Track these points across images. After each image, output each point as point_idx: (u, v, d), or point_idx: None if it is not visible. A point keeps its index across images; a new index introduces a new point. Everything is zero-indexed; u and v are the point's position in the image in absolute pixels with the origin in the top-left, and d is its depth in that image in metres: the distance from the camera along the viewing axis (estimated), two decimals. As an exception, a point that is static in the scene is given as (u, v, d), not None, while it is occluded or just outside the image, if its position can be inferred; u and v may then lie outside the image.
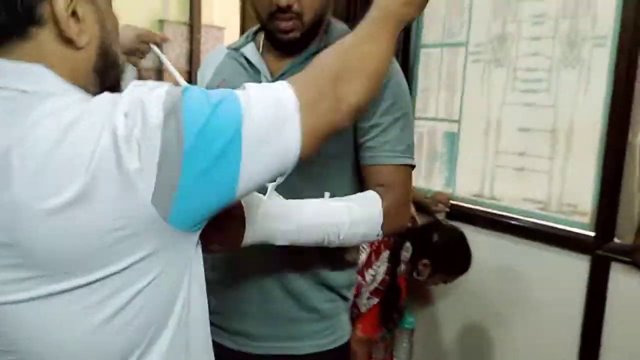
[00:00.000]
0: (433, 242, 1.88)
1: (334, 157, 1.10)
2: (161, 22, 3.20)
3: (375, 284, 1.78)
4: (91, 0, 0.72)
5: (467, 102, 2.06)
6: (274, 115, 0.71)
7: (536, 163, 1.85)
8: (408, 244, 1.86)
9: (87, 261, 0.64)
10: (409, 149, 1.11)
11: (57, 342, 0.67)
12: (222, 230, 0.92)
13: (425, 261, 1.86)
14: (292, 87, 0.74)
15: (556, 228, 1.81)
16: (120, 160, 0.62)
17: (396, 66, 1.13)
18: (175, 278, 0.73)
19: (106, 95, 0.67)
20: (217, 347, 1.06)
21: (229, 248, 0.96)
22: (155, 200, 0.64)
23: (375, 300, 1.78)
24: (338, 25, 1.14)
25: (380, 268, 1.81)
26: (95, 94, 0.70)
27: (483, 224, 2.00)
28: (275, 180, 0.80)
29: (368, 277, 1.79)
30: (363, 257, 1.79)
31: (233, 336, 1.14)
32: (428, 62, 2.19)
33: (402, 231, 1.23)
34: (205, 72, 1.22)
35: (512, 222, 1.92)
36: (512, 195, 1.93)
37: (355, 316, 1.75)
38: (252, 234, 0.96)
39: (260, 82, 1.07)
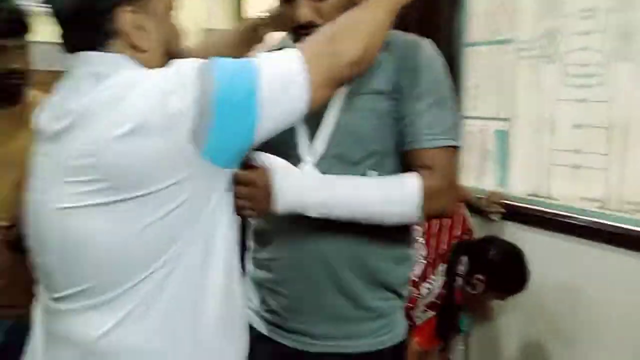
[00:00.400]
0: (489, 258, 1.85)
1: (382, 156, 1.13)
2: (206, 30, 3.27)
3: (431, 298, 1.78)
4: (151, 13, 0.96)
5: (517, 99, 2.01)
6: (282, 74, 0.92)
7: (593, 160, 1.80)
8: (465, 258, 1.85)
9: (140, 178, 0.87)
10: (449, 131, 1.12)
11: (105, 238, 0.90)
12: (254, 198, 1.03)
13: (480, 276, 1.84)
14: (299, 50, 0.95)
15: (617, 227, 1.75)
16: (164, 107, 0.86)
17: (430, 51, 1.15)
18: (201, 208, 0.93)
19: (161, 68, 0.92)
20: (277, 346, 1.19)
21: (260, 213, 1.07)
22: (192, 136, 0.86)
23: (431, 314, 1.78)
24: None
25: (436, 281, 1.81)
26: None
27: (539, 223, 1.96)
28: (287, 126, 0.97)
29: (424, 290, 1.80)
30: (418, 270, 1.79)
31: (291, 334, 1.17)
32: (474, 61, 2.15)
33: (447, 215, 1.25)
34: None
35: (570, 221, 1.87)
36: (568, 193, 1.88)
37: (410, 328, 1.77)
38: (283, 202, 1.05)
39: None
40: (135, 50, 0.95)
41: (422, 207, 1.08)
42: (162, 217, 0.89)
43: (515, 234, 2.02)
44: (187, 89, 0.88)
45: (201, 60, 0.91)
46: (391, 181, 1.11)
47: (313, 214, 1.06)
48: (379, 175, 1.12)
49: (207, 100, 0.87)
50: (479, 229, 2.06)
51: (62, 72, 0.99)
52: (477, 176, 2.18)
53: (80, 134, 0.89)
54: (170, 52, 1.00)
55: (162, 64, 0.96)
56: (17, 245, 1.27)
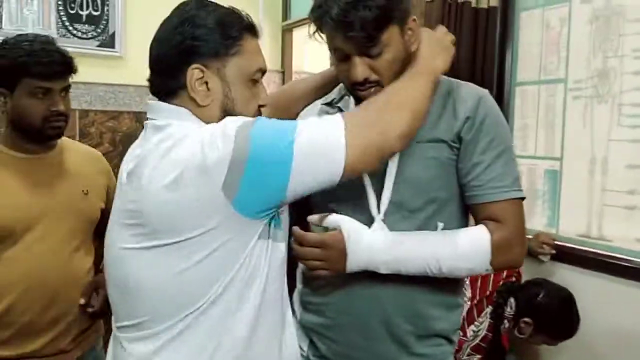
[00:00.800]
0: (538, 301, 1.80)
1: (442, 203, 1.14)
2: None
3: (476, 340, 1.74)
4: (220, 76, 1.07)
5: (569, 139, 2.00)
6: (320, 142, 0.97)
7: (648, 201, 1.76)
8: (512, 300, 1.81)
9: (174, 226, 0.97)
10: (516, 182, 1.13)
11: (149, 279, 1.00)
12: (328, 259, 1.09)
13: (527, 320, 1.79)
14: (344, 119, 0.99)
15: (674, 270, 1.69)
16: (204, 159, 0.94)
17: (491, 102, 1.16)
18: (234, 256, 0.99)
19: (213, 123, 1.01)
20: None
21: (332, 273, 1.11)
22: (224, 188, 0.94)
23: (477, 357, 1.73)
24: None
25: (482, 324, 1.76)
26: None
27: (591, 265, 1.91)
28: (322, 189, 1.01)
29: (470, 333, 1.76)
30: (464, 312, 1.75)
31: None
32: (524, 100, 2.15)
33: (517, 266, 1.24)
34: None
35: (624, 263, 1.82)
36: (622, 235, 1.83)
37: (456, 371, 1.72)
38: (355, 263, 1.09)
39: None
40: (194, 102, 1.06)
41: (492, 261, 1.09)
42: (196, 264, 0.98)
43: (565, 275, 1.97)
44: (225, 144, 0.96)
45: (247, 119, 1.00)
46: (460, 236, 1.11)
47: (384, 271, 1.10)
48: (444, 225, 1.12)
49: (241, 157, 0.94)
50: (527, 270, 2.01)
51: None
52: (526, 216, 2.14)
53: (135, 180, 1.01)
54: (228, 112, 1.08)
55: (219, 119, 1.05)
56: None
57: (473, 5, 2.11)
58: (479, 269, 1.12)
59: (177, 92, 1.07)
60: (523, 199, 1.13)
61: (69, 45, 2.86)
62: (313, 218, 1.13)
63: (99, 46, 2.96)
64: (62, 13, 2.91)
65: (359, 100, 1.13)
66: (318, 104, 1.27)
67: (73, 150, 1.72)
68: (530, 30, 2.11)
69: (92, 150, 1.85)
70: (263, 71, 1.11)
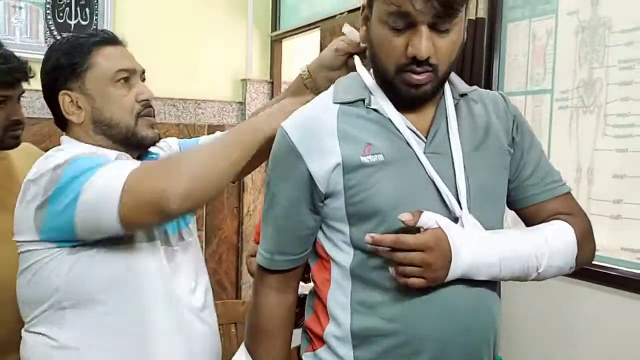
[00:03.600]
0: None
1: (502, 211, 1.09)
2: (244, 81, 3.37)
3: None
4: (83, 93, 1.24)
5: (555, 148, 2.01)
6: (103, 187, 1.07)
7: (634, 211, 1.78)
8: None
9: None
10: (560, 175, 1.11)
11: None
12: (429, 264, 0.92)
13: None
14: (133, 169, 1.08)
15: (660, 279, 1.71)
16: (25, 192, 1.17)
17: (512, 104, 1.13)
18: (46, 272, 1.16)
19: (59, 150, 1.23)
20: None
21: (431, 282, 0.95)
22: (36, 210, 1.13)
23: None
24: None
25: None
26: (109, 144, 1.27)
27: (577, 274, 1.91)
28: (110, 234, 1.12)
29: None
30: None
31: None
32: (511, 110, 2.17)
33: (591, 261, 1.15)
34: (318, 138, 1.02)
35: (610, 272, 1.83)
36: (608, 244, 1.84)
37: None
38: (459, 267, 0.95)
39: (402, 139, 1.02)
40: (76, 125, 1.26)
41: (578, 255, 1.04)
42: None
43: (551, 284, 1.97)
44: (44, 180, 1.12)
45: (70, 160, 1.13)
46: (547, 230, 1.03)
47: (483, 277, 0.98)
48: None
49: (48, 193, 1.10)
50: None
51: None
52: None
53: None
54: (100, 121, 1.25)
55: (97, 131, 1.26)
56: None
57: (461, 16, 2.13)
58: (566, 268, 1.04)
59: (65, 122, 1.26)
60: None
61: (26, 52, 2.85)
62: (405, 216, 0.93)
63: (87, 55, 2.94)
64: (50, 22, 2.90)
65: (399, 88, 0.98)
66: (329, 106, 1.05)
67: (15, 150, 1.66)
68: (517, 41, 2.13)
69: (27, 144, 1.77)
70: (127, 70, 1.24)
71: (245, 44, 3.40)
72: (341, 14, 2.79)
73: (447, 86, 1.06)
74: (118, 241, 1.16)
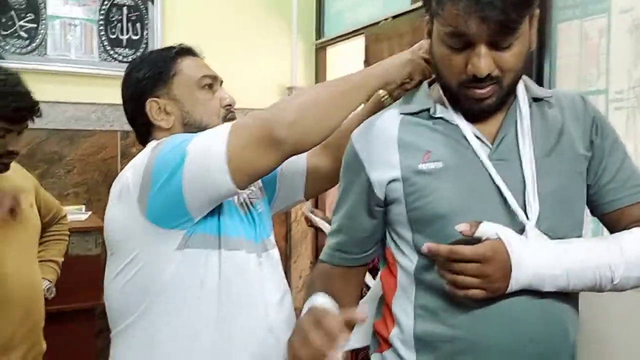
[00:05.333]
0: None
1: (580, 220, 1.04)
2: (289, 89, 3.40)
3: None
4: (171, 98, 1.29)
5: (610, 151, 1.95)
6: (207, 148, 1.08)
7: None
8: None
9: (110, 241, 1.22)
10: None
11: (107, 290, 1.23)
12: (487, 276, 0.91)
13: None
14: (232, 125, 1.11)
15: None
16: (129, 177, 1.16)
17: (592, 105, 1.09)
18: (156, 270, 1.15)
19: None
20: None
21: (491, 294, 0.93)
22: (138, 201, 1.12)
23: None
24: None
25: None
26: None
27: None
28: (216, 202, 1.14)
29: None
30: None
31: None
32: (563, 112, 2.11)
33: None
34: (379, 148, 1.06)
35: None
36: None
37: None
38: (521, 279, 0.93)
39: (466, 146, 1.01)
40: (163, 130, 1.28)
41: None
42: (131, 278, 1.16)
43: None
44: (142, 163, 1.14)
45: (166, 139, 1.17)
46: (625, 240, 0.99)
47: (548, 288, 0.95)
48: None
49: (149, 172, 1.11)
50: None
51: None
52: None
53: None
54: (189, 125, 1.28)
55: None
56: None
57: (509, 18, 2.09)
58: None
59: (149, 130, 1.30)
60: None
61: (109, 69, 2.96)
62: (462, 227, 0.92)
63: (138, 69, 3.04)
64: (103, 38, 3.01)
65: (462, 103, 1.00)
66: (394, 116, 1.08)
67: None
68: (569, 41, 2.08)
69: (15, 164, 1.86)
70: (210, 76, 1.32)
71: (290, 53, 3.44)
72: (385, 19, 2.78)
73: (520, 90, 1.05)
74: (214, 244, 1.17)
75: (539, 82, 2.13)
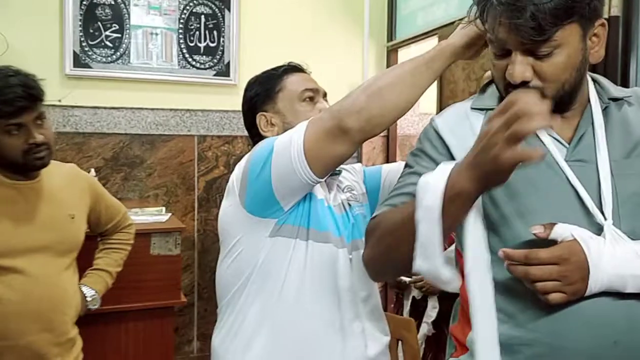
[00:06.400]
0: None
1: None
2: (362, 92, 3.39)
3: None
4: (276, 112, 1.46)
5: None
6: (286, 140, 1.23)
7: None
8: None
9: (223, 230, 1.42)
10: None
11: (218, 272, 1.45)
12: (566, 278, 0.89)
13: None
14: (306, 127, 1.22)
15: None
16: (235, 174, 1.36)
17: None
18: (251, 254, 1.32)
19: None
20: None
21: (571, 296, 0.91)
22: (240, 194, 1.30)
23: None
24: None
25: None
26: None
27: None
28: (302, 191, 1.27)
29: None
30: None
31: None
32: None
33: None
34: (463, 136, 1.05)
35: None
36: None
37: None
38: (599, 280, 0.91)
39: (542, 146, 0.99)
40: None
41: None
42: (233, 261, 1.35)
43: None
44: (244, 162, 1.32)
45: (262, 141, 1.33)
46: None
47: (631, 289, 0.92)
48: None
49: (247, 168, 1.29)
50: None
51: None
52: None
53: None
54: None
55: None
56: None
57: (592, 15, 2.00)
58: None
59: (261, 140, 1.38)
60: None
61: (188, 76, 3.07)
62: (537, 229, 0.91)
63: (215, 75, 3.15)
64: (182, 46, 3.13)
65: None
66: (465, 109, 1.09)
67: (55, 173, 1.75)
68: (657, 39, 1.96)
69: (71, 167, 1.86)
70: (311, 90, 1.45)
71: (362, 55, 3.44)
72: (460, 19, 2.72)
73: (592, 92, 1.03)
74: (303, 235, 1.31)
75: (625, 83, 2.02)
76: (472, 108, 1.08)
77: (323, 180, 1.27)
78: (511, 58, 0.94)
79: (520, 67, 0.92)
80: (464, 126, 1.06)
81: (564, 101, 0.99)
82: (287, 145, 1.22)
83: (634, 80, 2.02)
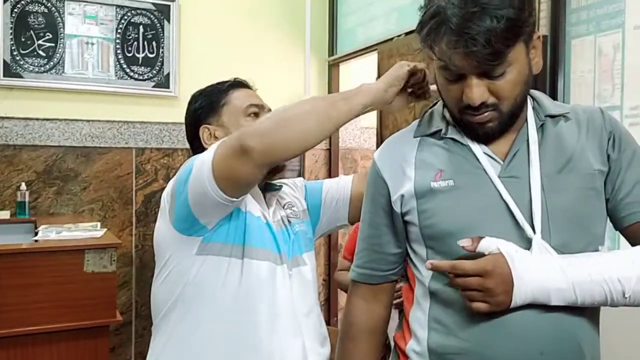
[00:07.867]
0: None
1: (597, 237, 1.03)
2: (303, 105, 3.41)
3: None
4: (219, 125, 1.45)
5: (626, 167, 1.93)
6: (200, 169, 1.22)
7: None
8: None
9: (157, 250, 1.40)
10: None
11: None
12: (489, 290, 0.93)
13: None
14: (216, 147, 1.22)
15: None
16: (164, 196, 1.37)
17: (612, 116, 1.09)
18: (181, 272, 1.31)
19: None
20: None
21: (494, 308, 0.94)
22: (169, 210, 1.31)
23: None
24: (536, 93, 1.10)
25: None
26: None
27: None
28: (220, 210, 1.26)
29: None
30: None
31: None
32: (578, 129, 2.10)
33: None
34: (399, 167, 1.11)
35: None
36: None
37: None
38: (523, 292, 0.93)
39: (477, 164, 1.04)
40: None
41: None
42: (163, 280, 1.34)
43: None
44: (174, 179, 1.32)
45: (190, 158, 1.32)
46: (636, 253, 0.97)
47: (555, 302, 0.94)
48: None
49: (174, 186, 1.30)
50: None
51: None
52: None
53: None
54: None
55: None
56: None
57: (522, 34, 2.09)
58: None
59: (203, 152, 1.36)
60: None
61: (126, 87, 3.00)
62: (464, 242, 0.96)
63: (154, 87, 3.09)
64: (120, 56, 3.06)
65: (466, 127, 1.05)
66: (409, 137, 1.14)
67: None
68: (583, 57, 2.07)
69: None
70: (256, 105, 1.46)
71: (304, 70, 3.46)
72: (398, 36, 2.79)
73: (529, 109, 1.07)
74: (237, 253, 1.30)
75: (553, 98, 2.12)
76: (415, 137, 1.13)
77: (239, 199, 1.26)
78: (466, 82, 0.97)
79: (478, 89, 0.96)
80: (399, 158, 1.12)
81: (515, 114, 1.03)
82: (201, 166, 1.22)
83: (562, 95, 2.13)
